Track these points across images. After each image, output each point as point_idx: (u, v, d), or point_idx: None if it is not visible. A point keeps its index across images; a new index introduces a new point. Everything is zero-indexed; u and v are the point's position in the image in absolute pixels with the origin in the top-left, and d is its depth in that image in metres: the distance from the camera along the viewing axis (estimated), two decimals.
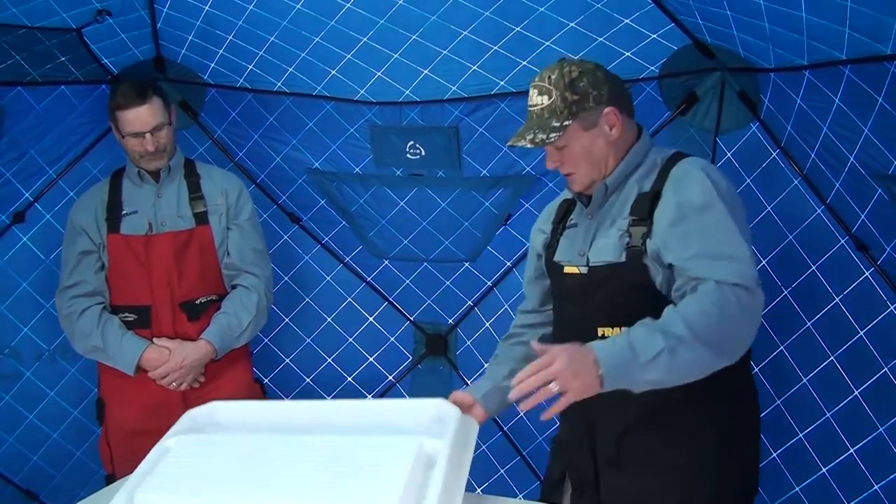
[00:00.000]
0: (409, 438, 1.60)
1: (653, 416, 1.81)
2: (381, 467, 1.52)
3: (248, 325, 2.64)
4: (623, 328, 1.71)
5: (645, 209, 1.81)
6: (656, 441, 1.85)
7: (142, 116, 2.50)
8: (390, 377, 3.31)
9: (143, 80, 2.64)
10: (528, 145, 1.85)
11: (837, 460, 2.23)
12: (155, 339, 2.57)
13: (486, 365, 3.09)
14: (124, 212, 2.60)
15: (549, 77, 1.86)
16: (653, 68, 2.48)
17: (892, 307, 2.08)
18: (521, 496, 3.02)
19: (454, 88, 2.68)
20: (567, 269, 1.94)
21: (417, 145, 2.89)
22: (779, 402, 2.43)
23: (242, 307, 2.65)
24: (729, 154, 2.49)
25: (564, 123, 1.84)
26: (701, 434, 1.85)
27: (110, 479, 2.60)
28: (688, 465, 1.85)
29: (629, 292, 1.79)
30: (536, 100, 1.87)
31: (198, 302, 2.62)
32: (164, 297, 2.58)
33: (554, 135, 1.84)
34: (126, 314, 2.60)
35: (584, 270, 1.89)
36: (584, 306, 1.87)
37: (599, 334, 1.82)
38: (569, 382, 1.56)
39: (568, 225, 2.02)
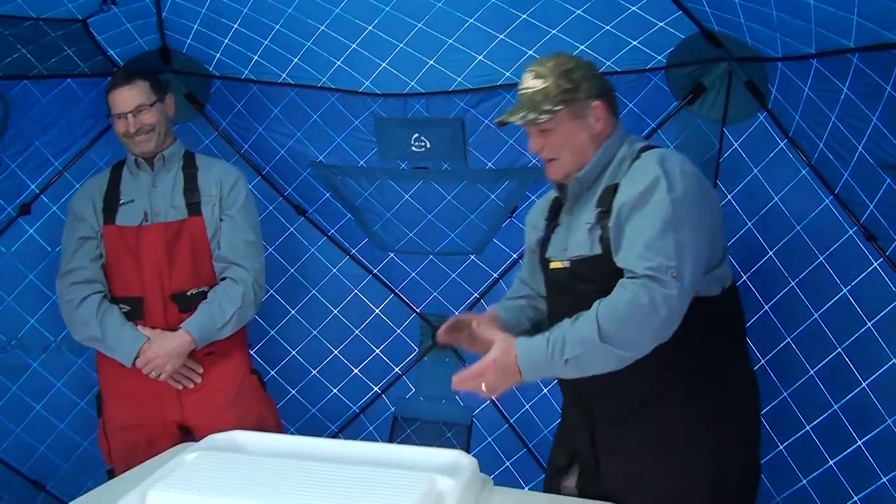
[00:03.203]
0: (421, 474, 1.68)
1: (648, 403, 1.85)
2: (391, 497, 1.58)
3: (231, 317, 2.58)
4: None
5: (608, 201, 1.89)
6: (652, 427, 1.90)
7: (125, 97, 2.53)
8: (396, 369, 3.30)
9: (139, 67, 2.65)
10: (519, 122, 1.94)
11: (844, 453, 2.22)
12: (139, 328, 2.55)
13: None
14: (122, 201, 2.60)
15: (546, 64, 1.96)
16: (660, 58, 2.47)
17: None
18: (527, 488, 3.01)
19: (460, 79, 2.67)
20: (553, 265, 2.04)
21: (423, 138, 2.88)
22: (786, 394, 2.41)
23: (227, 298, 2.59)
24: (736, 144, 2.47)
25: (555, 108, 1.92)
26: (697, 421, 1.88)
27: (111, 474, 2.60)
28: (684, 452, 1.88)
29: (611, 280, 1.82)
30: (530, 83, 1.96)
31: (188, 293, 2.59)
32: (154, 288, 2.56)
33: (544, 116, 1.92)
34: (120, 305, 2.59)
35: (566, 264, 1.99)
36: (571, 297, 1.94)
37: None
38: (495, 387, 1.83)
39: (559, 222, 2.10)
